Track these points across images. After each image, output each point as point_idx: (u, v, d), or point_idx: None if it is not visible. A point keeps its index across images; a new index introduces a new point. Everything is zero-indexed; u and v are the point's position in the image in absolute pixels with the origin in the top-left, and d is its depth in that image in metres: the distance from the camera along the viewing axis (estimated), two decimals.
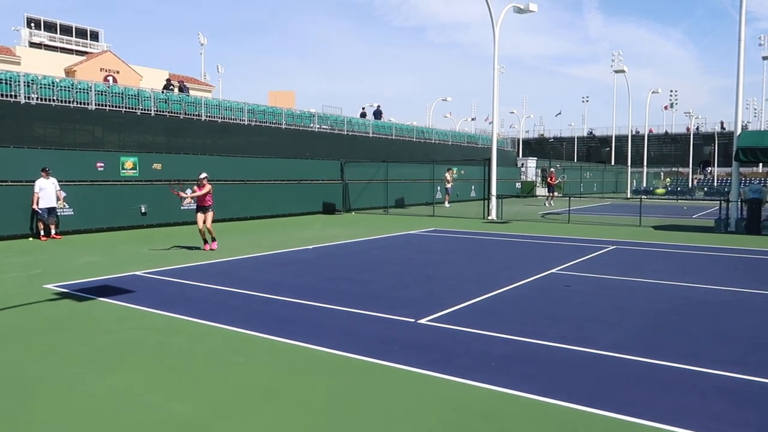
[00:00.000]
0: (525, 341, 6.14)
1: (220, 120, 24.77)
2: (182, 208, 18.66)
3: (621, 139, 65.90)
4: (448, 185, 30.24)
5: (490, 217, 22.47)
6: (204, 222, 12.76)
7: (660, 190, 49.41)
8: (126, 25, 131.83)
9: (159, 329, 6.63)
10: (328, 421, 4.22)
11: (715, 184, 56.26)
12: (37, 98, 19.01)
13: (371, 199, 27.02)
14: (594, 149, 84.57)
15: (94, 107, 20.37)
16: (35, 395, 4.69)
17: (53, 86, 19.48)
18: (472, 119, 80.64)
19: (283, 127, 27.62)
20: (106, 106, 20.74)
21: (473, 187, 35.97)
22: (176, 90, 24.95)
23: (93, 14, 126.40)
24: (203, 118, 24.11)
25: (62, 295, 8.24)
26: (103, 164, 16.88)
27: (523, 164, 48.29)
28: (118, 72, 39.70)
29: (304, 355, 5.69)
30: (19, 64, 36.36)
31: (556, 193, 33.08)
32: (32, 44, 44.65)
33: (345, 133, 31.27)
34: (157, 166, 18.14)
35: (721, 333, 6.57)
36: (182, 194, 13.55)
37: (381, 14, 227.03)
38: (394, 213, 25.60)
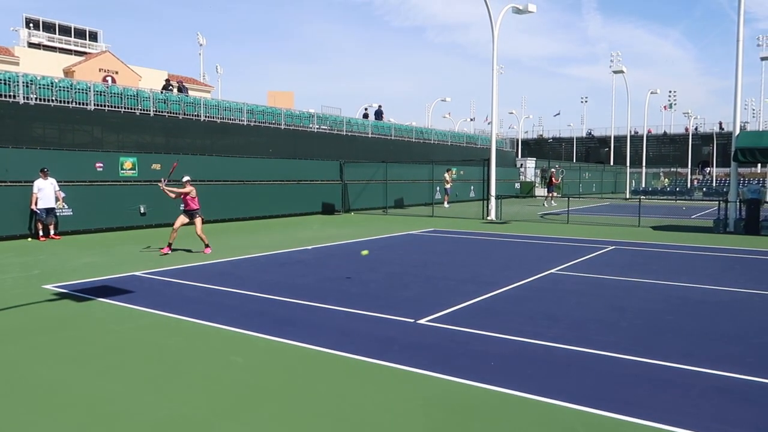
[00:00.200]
0: (524, 341, 6.14)
1: (219, 120, 24.76)
2: (182, 208, 18.65)
3: (620, 140, 65.95)
4: (448, 186, 30.24)
5: (489, 218, 22.48)
6: (182, 225, 12.46)
7: (665, 181, 50.35)
8: (125, 25, 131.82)
9: (158, 329, 6.63)
10: (327, 422, 4.22)
11: (714, 184, 56.31)
12: (36, 98, 18.99)
13: (370, 200, 27.02)
14: (593, 149, 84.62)
15: (92, 107, 20.36)
16: (34, 396, 4.68)
17: (52, 86, 19.46)
18: (471, 120, 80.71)
19: (283, 127, 27.62)
20: (104, 106, 20.72)
21: (472, 187, 35.98)
22: (175, 90, 24.93)
23: (92, 15, 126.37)
24: (202, 118, 24.10)
25: (61, 296, 8.24)
26: (102, 164, 16.87)
27: (522, 165, 48.31)
28: (116, 72, 39.67)
29: (303, 356, 5.69)
30: (17, 64, 36.32)
31: (555, 194, 33.09)
32: (31, 44, 44.61)
33: (344, 133, 31.27)
34: (156, 166, 18.12)
35: (720, 333, 6.58)
36: (163, 186, 12.81)
37: (380, 14, 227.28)
38: (394, 213, 25.61)
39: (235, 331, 6.51)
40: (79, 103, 20.06)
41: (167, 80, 25.98)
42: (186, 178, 12.75)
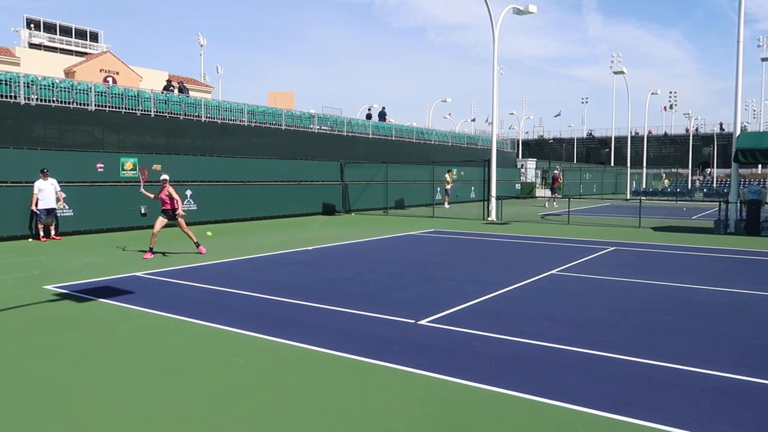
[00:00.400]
0: (525, 342, 6.14)
1: (219, 121, 24.78)
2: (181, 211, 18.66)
3: (620, 141, 65.93)
4: (448, 186, 30.24)
5: (489, 218, 22.48)
6: (162, 227, 12.24)
7: (665, 182, 50.55)
8: (126, 26, 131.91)
9: (158, 330, 6.64)
10: (327, 422, 4.23)
11: (715, 185, 56.29)
12: (37, 99, 19.00)
13: (371, 200, 27.03)
14: (593, 150, 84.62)
15: (93, 108, 20.37)
16: (35, 396, 4.69)
17: (53, 87, 19.47)
18: (472, 120, 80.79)
19: (283, 128, 27.63)
20: (105, 107, 20.74)
21: (473, 188, 35.98)
22: (176, 91, 24.95)
23: (93, 15, 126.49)
24: (203, 119, 24.11)
25: (62, 296, 8.24)
26: (102, 165, 16.88)
27: (522, 165, 48.30)
28: (117, 73, 39.70)
29: (304, 356, 5.69)
30: (18, 65, 36.35)
31: (558, 195, 33.05)
32: (32, 45, 44.65)
33: (345, 134, 31.28)
34: (157, 167, 18.12)
35: (720, 334, 6.58)
36: (142, 189, 12.72)
37: (381, 15, 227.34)
38: (394, 214, 25.61)
39: (235, 331, 6.52)
40: (80, 104, 20.08)
41: (168, 81, 25.99)
42: (163, 177, 12.48)
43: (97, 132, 20.65)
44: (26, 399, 4.63)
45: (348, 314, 7.31)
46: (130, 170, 17.52)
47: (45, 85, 19.31)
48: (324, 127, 30.20)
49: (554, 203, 32.18)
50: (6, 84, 18.30)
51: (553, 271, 10.56)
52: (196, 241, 12.63)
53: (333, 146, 29.70)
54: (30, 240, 14.82)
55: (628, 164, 50.79)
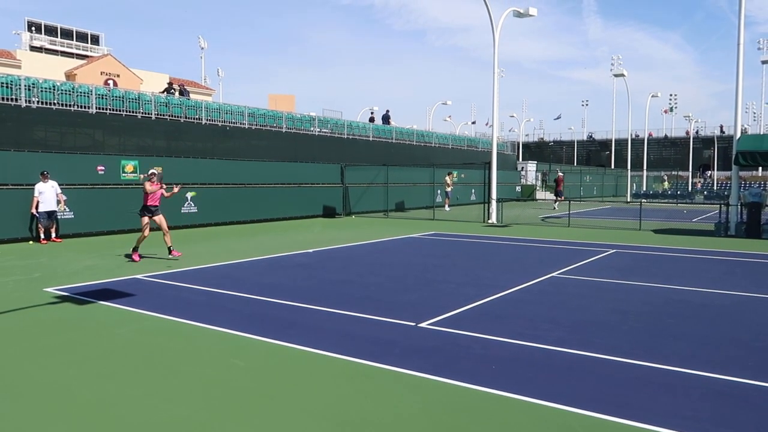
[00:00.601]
0: (525, 345, 6.14)
1: (220, 123, 24.80)
2: (182, 211, 18.70)
3: (621, 143, 65.97)
4: (448, 189, 30.25)
5: (490, 221, 22.49)
6: (149, 226, 11.77)
7: (665, 184, 50.65)
8: (127, 29, 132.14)
9: (159, 332, 6.64)
10: (328, 425, 4.23)
11: (715, 187, 56.29)
12: (38, 102, 19.03)
13: (371, 203, 27.03)
14: (594, 153, 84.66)
15: (94, 111, 20.40)
16: (35, 398, 4.69)
17: (54, 90, 19.51)
18: (473, 123, 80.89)
19: (284, 130, 27.66)
20: (106, 109, 20.77)
21: (473, 190, 35.98)
22: (177, 94, 24.99)
23: (94, 18, 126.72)
24: (203, 121, 24.14)
25: (62, 299, 8.25)
26: (103, 167, 16.90)
27: (523, 168, 48.31)
28: (118, 75, 39.75)
29: (304, 359, 5.69)
30: (19, 67, 36.40)
31: (562, 198, 32.92)
32: (33, 48, 44.70)
33: (345, 136, 31.30)
34: (158, 169, 18.12)
35: (721, 336, 6.58)
36: (167, 194, 12.13)
37: (382, 18, 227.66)
38: (395, 216, 25.62)
39: (235, 334, 6.52)
40: (81, 107, 20.10)
41: (169, 83, 26.02)
42: (151, 171, 12.10)
43: (98, 134, 20.67)
44: (27, 401, 4.63)
45: (349, 317, 7.31)
46: (130, 173, 17.53)
47: (46, 88, 19.34)
48: (324, 130, 30.23)
49: (555, 206, 32.16)
50: (7, 87, 18.33)
51: (553, 274, 10.56)
52: (170, 244, 12.11)
53: (333, 149, 29.72)
54: (31, 242, 14.83)
55: (629, 167, 50.80)
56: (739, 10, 17.85)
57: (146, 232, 12.01)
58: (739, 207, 18.50)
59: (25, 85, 18.74)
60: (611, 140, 58.53)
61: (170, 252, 12.08)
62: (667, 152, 78.47)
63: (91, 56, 46.01)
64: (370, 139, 33.34)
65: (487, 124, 73.90)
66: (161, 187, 12.07)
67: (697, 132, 74.65)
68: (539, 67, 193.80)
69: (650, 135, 69.99)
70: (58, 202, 15.06)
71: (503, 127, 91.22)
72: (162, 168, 17.95)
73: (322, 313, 7.51)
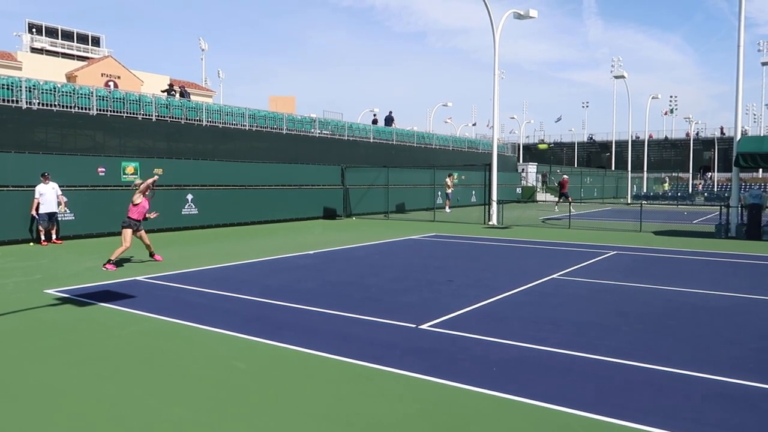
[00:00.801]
0: (526, 347, 6.14)
1: (220, 125, 24.81)
2: (183, 213, 18.70)
3: (621, 145, 65.94)
4: (449, 190, 30.25)
5: (490, 223, 22.48)
6: (135, 238, 11.45)
7: (666, 186, 50.71)
8: (127, 30, 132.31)
9: (159, 334, 6.64)
10: (328, 426, 4.22)
11: (715, 189, 56.28)
12: (39, 103, 19.04)
13: (372, 205, 27.03)
14: (594, 154, 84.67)
15: (95, 112, 20.41)
16: (36, 400, 4.69)
17: (54, 91, 19.51)
18: (473, 124, 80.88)
19: (284, 132, 27.66)
20: (107, 111, 20.77)
21: (474, 192, 35.98)
22: (177, 95, 25.00)
23: (94, 20, 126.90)
24: (204, 123, 24.15)
25: (63, 300, 8.25)
26: (104, 169, 16.91)
27: (523, 169, 48.31)
28: (119, 77, 39.79)
29: (305, 361, 5.69)
30: (20, 69, 36.45)
31: (569, 200, 32.73)
32: (34, 50, 44.74)
33: (346, 138, 31.31)
34: (158, 171, 18.16)
35: (721, 338, 6.57)
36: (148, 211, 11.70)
37: (382, 19, 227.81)
38: (395, 218, 25.62)
39: (236, 335, 6.52)
40: (82, 108, 20.11)
41: (170, 85, 26.04)
42: (138, 181, 11.80)
43: (99, 136, 20.68)
44: (27, 402, 4.63)
45: (349, 318, 7.31)
46: (131, 174, 17.54)
47: (46, 90, 19.35)
48: (325, 132, 30.23)
49: (555, 208, 32.12)
50: (8, 88, 18.34)
51: (554, 276, 10.56)
52: (152, 250, 12.03)
53: (334, 150, 29.72)
54: (31, 244, 14.83)
55: (629, 168, 50.80)
56: (739, 11, 17.87)
57: (128, 243, 11.23)
58: (739, 209, 18.50)
59: (25, 87, 18.75)
60: (611, 142, 58.49)
61: (152, 255, 12.03)
62: (668, 154, 78.50)
63: (91, 58, 46.07)
64: (371, 140, 33.35)
65: (488, 125, 73.99)
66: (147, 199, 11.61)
67: (697, 134, 74.71)
68: (539, 68, 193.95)
69: (650, 137, 69.98)
70: (59, 203, 15.06)
71: (504, 129, 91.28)
72: (162, 169, 17.97)
73: (323, 314, 7.51)
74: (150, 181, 11.70)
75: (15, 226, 14.86)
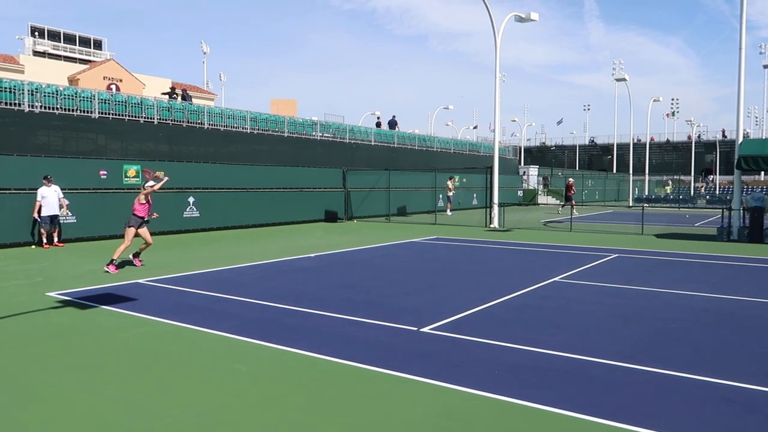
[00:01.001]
0: (528, 350, 6.13)
1: (222, 128, 24.86)
2: (184, 215, 18.72)
3: (622, 147, 65.95)
4: (450, 193, 30.26)
5: (492, 225, 22.47)
6: (137, 236, 11.49)
7: (667, 189, 50.77)
8: (129, 33, 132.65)
9: (161, 337, 6.64)
10: (329, 429, 4.22)
11: (717, 192, 56.23)
12: (41, 106, 19.09)
13: (373, 207, 27.04)
14: (595, 157, 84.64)
15: (97, 115, 20.46)
16: (37, 402, 4.69)
17: (57, 94, 19.57)
18: (474, 127, 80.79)
19: (285, 135, 27.71)
20: (109, 114, 20.83)
21: (475, 195, 35.99)
22: (179, 98, 25.06)
23: (96, 23, 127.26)
24: (206, 126, 24.20)
25: (64, 303, 8.25)
26: (105, 172, 16.93)
27: (524, 172, 48.32)
28: (121, 80, 39.86)
29: (306, 364, 5.69)
30: (23, 72, 36.54)
31: (573, 203, 32.56)
32: (36, 53, 44.89)
33: (347, 141, 31.35)
34: (160, 173, 18.18)
35: (724, 341, 6.56)
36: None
37: (383, 23, 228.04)
38: (396, 221, 25.62)
39: (238, 338, 6.51)
40: (84, 111, 20.17)
41: (172, 87, 26.10)
42: (162, 180, 11.96)
43: (101, 139, 20.73)
44: (28, 405, 4.63)
45: (351, 321, 7.31)
46: (133, 177, 17.57)
47: (49, 93, 19.40)
48: (326, 135, 30.27)
49: (559, 209, 32.12)
50: (10, 91, 18.40)
51: (555, 279, 10.55)
52: (139, 252, 11.94)
53: (335, 153, 29.76)
54: (33, 247, 14.85)
55: (630, 171, 50.77)
56: (741, 14, 17.87)
57: (129, 242, 11.36)
58: (741, 211, 18.48)
59: (28, 90, 18.80)
60: (613, 144, 58.56)
61: (136, 256, 11.87)
62: (669, 156, 78.43)
63: (93, 61, 46.18)
64: (372, 143, 33.38)
65: (489, 128, 74.01)
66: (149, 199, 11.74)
67: (699, 136, 74.64)
68: (541, 71, 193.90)
69: (652, 139, 70.01)
70: (61, 206, 15.08)
71: (505, 132, 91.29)
72: (164, 172, 18.00)
73: (324, 317, 7.51)
74: (161, 183, 11.94)
75: (17, 228, 14.88)
